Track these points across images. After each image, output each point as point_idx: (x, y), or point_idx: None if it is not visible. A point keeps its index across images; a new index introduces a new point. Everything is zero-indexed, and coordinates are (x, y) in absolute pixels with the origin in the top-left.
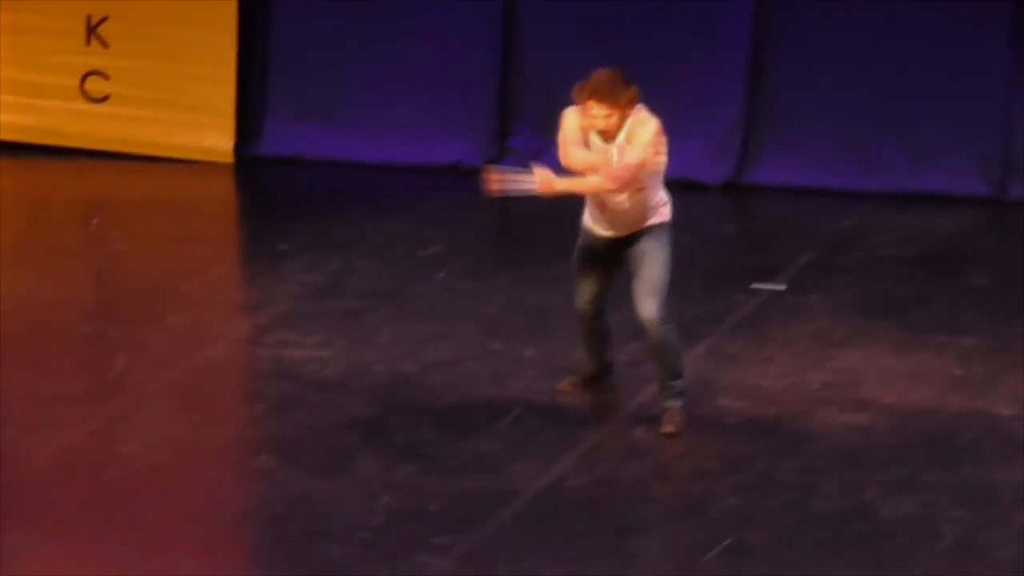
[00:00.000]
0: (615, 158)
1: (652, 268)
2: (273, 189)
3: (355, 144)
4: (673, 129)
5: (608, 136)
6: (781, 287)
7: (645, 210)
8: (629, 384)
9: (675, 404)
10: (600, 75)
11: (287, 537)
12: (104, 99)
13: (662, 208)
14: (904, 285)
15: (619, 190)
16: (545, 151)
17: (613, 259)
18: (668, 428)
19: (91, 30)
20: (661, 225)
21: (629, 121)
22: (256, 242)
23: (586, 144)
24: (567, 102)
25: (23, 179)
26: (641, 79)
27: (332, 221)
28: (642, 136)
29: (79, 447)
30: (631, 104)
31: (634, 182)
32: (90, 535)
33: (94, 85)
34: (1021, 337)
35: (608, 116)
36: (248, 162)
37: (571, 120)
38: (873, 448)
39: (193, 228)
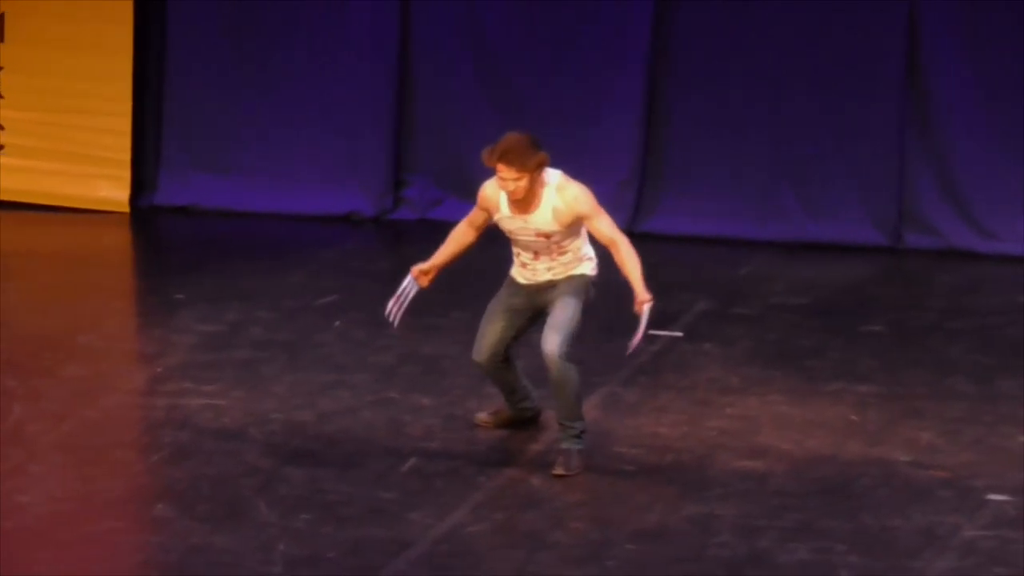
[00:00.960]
0: (535, 229)
1: (563, 310)
2: (169, 239)
3: (250, 194)
4: (570, 176)
5: (520, 206)
6: (678, 334)
7: (568, 264)
8: (527, 431)
9: (572, 447)
10: (509, 138)
11: None
12: None
13: (587, 261)
14: (799, 333)
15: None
16: (439, 201)
17: (528, 311)
18: (559, 470)
19: None
20: (582, 277)
21: (551, 194)
22: (152, 292)
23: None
24: (462, 152)
25: None
26: (537, 129)
27: (228, 271)
28: (587, 206)
29: None
30: (540, 168)
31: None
32: None
33: None
34: (917, 385)
35: (517, 179)
36: (143, 212)
37: (486, 191)
38: (770, 495)
39: (89, 278)
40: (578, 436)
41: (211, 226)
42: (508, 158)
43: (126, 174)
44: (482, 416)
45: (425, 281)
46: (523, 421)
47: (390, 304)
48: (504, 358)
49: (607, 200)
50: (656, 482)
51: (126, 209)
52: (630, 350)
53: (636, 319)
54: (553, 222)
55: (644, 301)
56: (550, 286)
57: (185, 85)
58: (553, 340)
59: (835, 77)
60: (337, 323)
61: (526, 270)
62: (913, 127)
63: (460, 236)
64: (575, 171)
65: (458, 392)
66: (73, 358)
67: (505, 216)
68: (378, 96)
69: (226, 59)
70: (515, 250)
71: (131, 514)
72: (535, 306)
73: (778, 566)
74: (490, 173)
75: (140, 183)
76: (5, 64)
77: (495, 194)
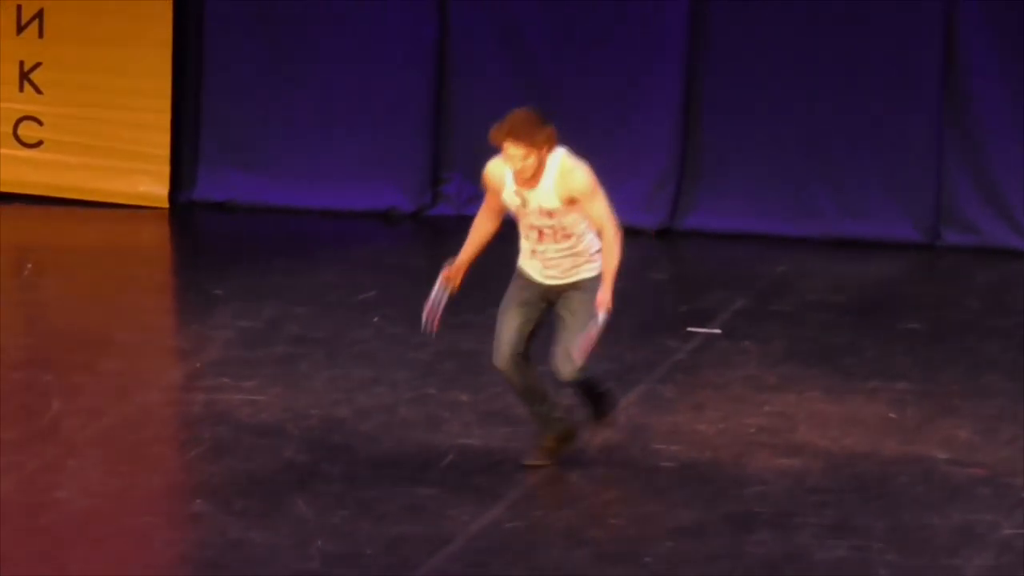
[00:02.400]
0: (537, 206)
1: (577, 324)
2: (207, 235)
3: (289, 190)
4: (607, 175)
5: (527, 182)
6: (716, 331)
7: (575, 257)
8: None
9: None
10: (516, 115)
11: None
12: (38, 144)
13: (595, 257)
14: (837, 330)
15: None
16: (478, 197)
17: (541, 303)
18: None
19: (24, 76)
20: (596, 279)
21: (553, 168)
22: (190, 288)
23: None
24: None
25: None
26: (575, 125)
27: (266, 267)
28: (584, 184)
29: (12, 493)
30: (548, 144)
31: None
32: None
33: (27, 131)
34: (954, 382)
35: (525, 156)
36: (182, 208)
37: (491, 168)
38: (807, 492)
39: (127, 274)
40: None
41: (249, 222)
42: (516, 135)
43: (165, 170)
44: (530, 460)
45: (456, 283)
46: (567, 439)
47: (424, 314)
48: (526, 356)
49: (644, 198)
50: (694, 479)
51: (165, 205)
52: (575, 355)
53: (593, 319)
54: (555, 197)
55: (602, 304)
56: (560, 290)
57: (224, 81)
58: (569, 368)
59: (872, 75)
60: (375, 319)
61: (535, 258)
62: (950, 124)
63: (481, 227)
64: (612, 168)
65: (496, 388)
66: (111, 354)
67: (510, 191)
68: (416, 93)
69: (265, 55)
70: (522, 234)
71: (168, 510)
72: (547, 298)
73: (816, 564)
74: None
75: (179, 179)
76: (44, 60)
77: (498, 171)
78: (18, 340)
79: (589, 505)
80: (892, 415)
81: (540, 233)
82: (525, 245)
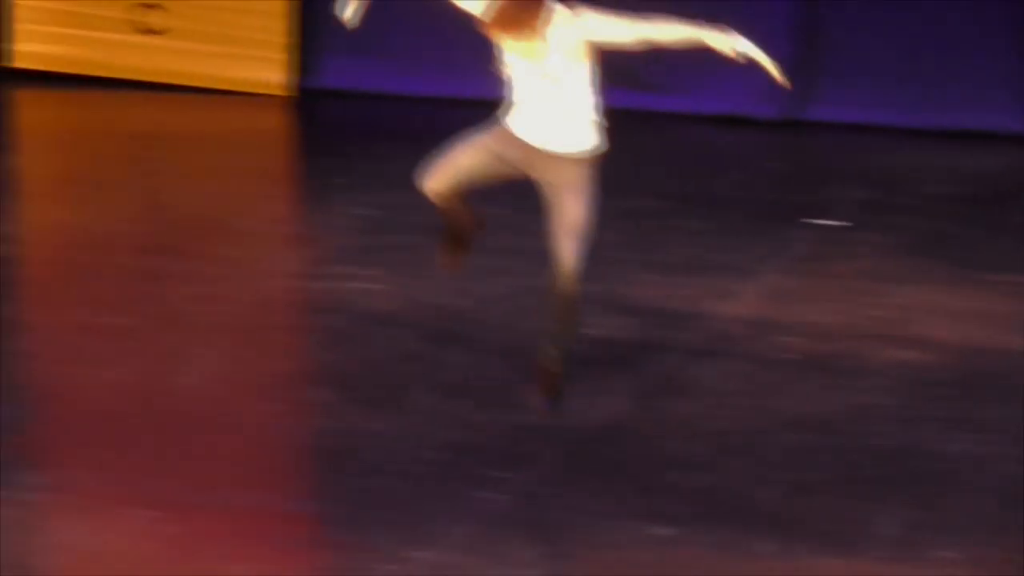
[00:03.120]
0: (546, 67)
1: (576, 208)
2: (329, 123)
3: (412, 77)
4: (726, 64)
5: (528, 51)
6: (836, 223)
7: (574, 117)
8: (684, 320)
9: (557, 369)
10: (504, 8)
11: (344, 471)
12: (160, 32)
13: (594, 128)
14: (960, 223)
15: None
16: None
17: (512, 166)
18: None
19: None
20: (591, 160)
21: (552, 26)
22: (310, 176)
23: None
24: None
25: (77, 112)
26: (694, 12)
27: (389, 155)
28: (593, 17)
29: (134, 381)
30: (546, 15)
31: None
32: (146, 469)
33: (150, 17)
34: None
35: (528, 40)
36: (305, 95)
37: None
38: (929, 385)
39: (248, 162)
40: (562, 359)
41: (372, 110)
42: (507, 25)
43: (285, 57)
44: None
45: None
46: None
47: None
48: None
49: (764, 88)
50: (815, 371)
51: (286, 92)
52: (778, 75)
53: (748, 60)
54: (563, 54)
55: (731, 44)
56: (551, 159)
57: None
58: (571, 249)
59: None
60: (494, 207)
61: (524, 116)
62: None
63: None
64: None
65: (615, 278)
66: (232, 241)
67: (515, 65)
68: None
69: None
70: (513, 93)
71: (287, 398)
72: (523, 167)
73: (937, 457)
74: None
75: (301, 66)
76: None
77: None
78: (139, 227)
79: (710, 397)
80: (1015, 309)
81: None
82: (515, 102)
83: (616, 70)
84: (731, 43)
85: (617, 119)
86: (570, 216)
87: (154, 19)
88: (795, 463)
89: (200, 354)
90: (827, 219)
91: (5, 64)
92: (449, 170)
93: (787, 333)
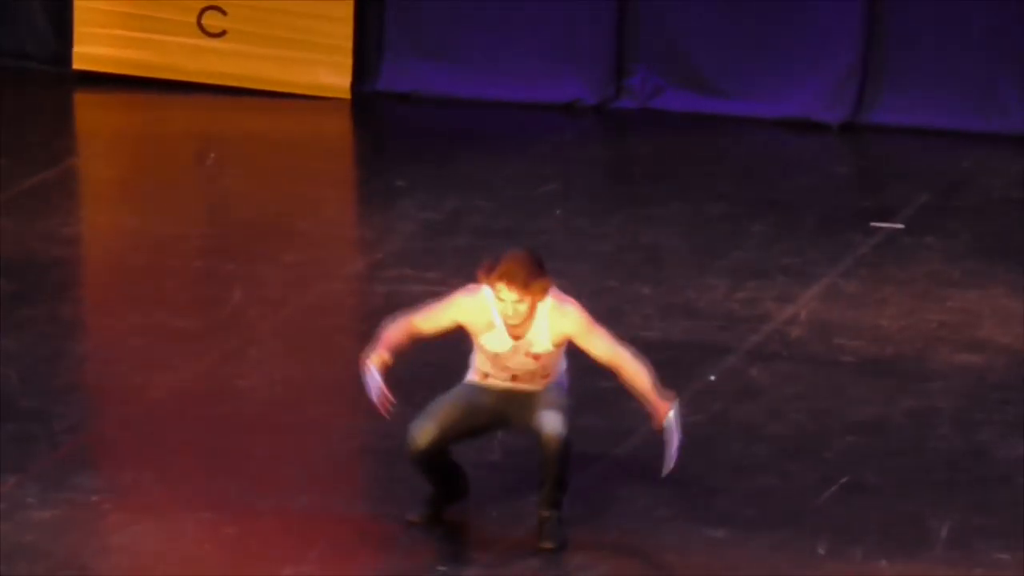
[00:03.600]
0: (526, 351)
1: (553, 398)
2: (390, 126)
3: (472, 81)
4: (792, 69)
5: (516, 330)
6: (899, 226)
7: (546, 379)
8: (745, 323)
9: (556, 514)
10: (513, 257)
11: (403, 475)
12: (221, 34)
13: (564, 372)
14: (1021, 227)
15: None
16: (661, 90)
17: (492, 415)
18: (548, 544)
19: None
20: (559, 384)
21: (543, 311)
22: (372, 179)
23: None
24: (683, 41)
25: (140, 114)
26: (759, 18)
27: (449, 158)
28: (580, 321)
29: (194, 382)
30: (543, 293)
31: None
32: (204, 470)
33: (212, 20)
34: None
35: (518, 302)
36: (365, 99)
37: (466, 305)
38: (990, 389)
39: (309, 164)
40: (559, 505)
41: (432, 113)
42: (510, 277)
43: (348, 60)
44: (412, 517)
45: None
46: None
47: (378, 403)
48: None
49: (827, 93)
50: (875, 374)
51: (347, 96)
52: (666, 470)
53: (662, 435)
54: (548, 341)
55: (665, 412)
56: (526, 396)
57: None
58: (555, 419)
59: None
60: (557, 212)
61: (492, 380)
62: None
63: (397, 338)
64: (795, 63)
65: (677, 281)
66: (292, 244)
67: (500, 336)
68: None
69: None
70: (483, 369)
71: (348, 400)
72: (502, 413)
73: (998, 461)
74: None
75: (362, 69)
76: None
77: (479, 309)
78: (200, 230)
79: (769, 400)
80: None
81: (514, 377)
82: (482, 375)
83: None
84: (665, 415)
85: (683, 124)
86: (548, 403)
87: (216, 22)
88: (853, 465)
89: (261, 357)
90: (890, 222)
91: (67, 67)
92: (431, 426)
93: (848, 336)
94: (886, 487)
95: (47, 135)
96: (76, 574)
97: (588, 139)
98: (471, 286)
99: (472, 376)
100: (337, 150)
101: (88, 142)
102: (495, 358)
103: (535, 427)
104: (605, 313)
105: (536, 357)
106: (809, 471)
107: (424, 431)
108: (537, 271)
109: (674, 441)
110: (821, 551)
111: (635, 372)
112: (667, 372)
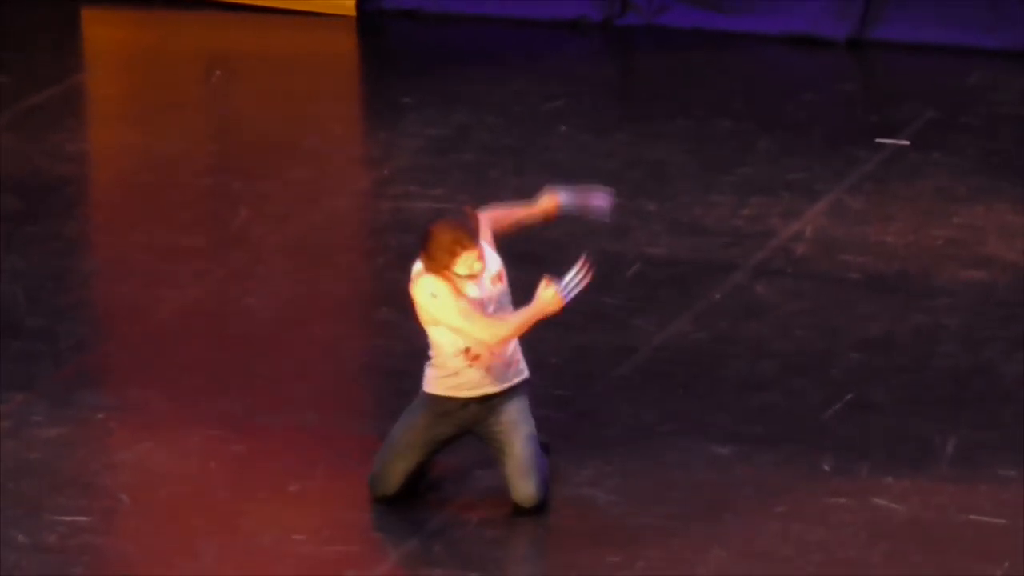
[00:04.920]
0: (493, 280)
1: (523, 445)
2: (396, 43)
3: None
4: None
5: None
6: (905, 142)
7: (514, 350)
8: (751, 239)
9: None
10: (442, 229)
11: (408, 389)
12: None
13: (520, 355)
14: None
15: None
16: (666, 7)
17: (453, 436)
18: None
19: None
20: (524, 384)
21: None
22: (378, 96)
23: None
24: None
25: (146, 31)
26: None
27: (455, 75)
28: (482, 216)
29: (201, 300)
30: (479, 228)
31: None
32: (211, 387)
33: None
34: None
35: (478, 256)
36: (370, 16)
37: (437, 290)
38: (996, 305)
39: (315, 82)
40: None
41: (438, 30)
42: (463, 242)
43: None
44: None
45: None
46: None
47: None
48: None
49: (833, 8)
50: (881, 291)
51: (353, 13)
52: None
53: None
54: (495, 253)
55: (555, 196)
56: (496, 398)
57: None
58: (529, 488)
59: None
60: (563, 128)
61: (476, 367)
62: None
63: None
64: None
65: (683, 198)
66: (299, 161)
67: (481, 283)
68: None
69: None
70: (453, 365)
71: (355, 317)
72: (465, 429)
73: (1003, 376)
74: None
75: None
76: None
77: (445, 287)
78: (206, 147)
79: (775, 317)
80: None
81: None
82: (458, 362)
83: None
84: (556, 198)
85: (688, 40)
86: (521, 454)
87: None
88: (859, 382)
89: (267, 274)
90: (896, 138)
91: None
92: (394, 478)
93: (854, 253)
94: (892, 404)
95: (53, 52)
96: (82, 491)
97: (593, 56)
98: (425, 285)
99: (433, 386)
100: (343, 67)
101: (94, 59)
102: (481, 305)
103: (506, 472)
104: (612, 229)
105: (500, 277)
106: (815, 388)
107: (390, 479)
108: (464, 220)
109: (585, 197)
110: (826, 467)
111: (510, 209)
112: (673, 288)
